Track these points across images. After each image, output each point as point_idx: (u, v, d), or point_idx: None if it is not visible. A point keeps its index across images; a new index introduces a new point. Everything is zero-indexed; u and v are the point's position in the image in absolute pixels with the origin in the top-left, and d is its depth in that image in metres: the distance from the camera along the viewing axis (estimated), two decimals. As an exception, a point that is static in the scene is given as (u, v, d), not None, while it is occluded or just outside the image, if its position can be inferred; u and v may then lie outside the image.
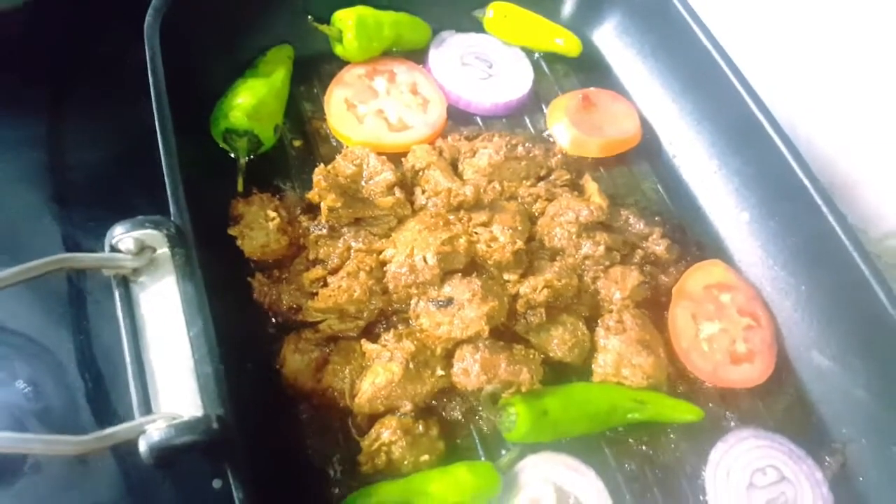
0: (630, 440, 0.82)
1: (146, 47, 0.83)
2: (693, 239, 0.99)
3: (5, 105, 1.06)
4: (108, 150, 1.06)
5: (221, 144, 0.90)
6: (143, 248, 0.66)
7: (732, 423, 0.86)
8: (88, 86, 1.11)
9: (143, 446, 0.57)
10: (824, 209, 0.90)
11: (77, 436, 0.56)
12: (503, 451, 0.78)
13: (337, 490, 0.73)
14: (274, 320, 0.81)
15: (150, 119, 1.08)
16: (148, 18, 0.85)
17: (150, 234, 0.66)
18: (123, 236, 0.65)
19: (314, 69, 1.03)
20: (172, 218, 0.71)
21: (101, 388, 0.88)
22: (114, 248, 0.65)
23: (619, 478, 0.80)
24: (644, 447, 0.82)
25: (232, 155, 0.92)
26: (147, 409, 0.60)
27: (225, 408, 0.61)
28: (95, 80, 1.11)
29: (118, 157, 1.05)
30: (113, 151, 1.06)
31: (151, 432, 0.57)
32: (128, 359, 0.63)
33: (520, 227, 0.86)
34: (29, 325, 0.90)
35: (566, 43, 1.10)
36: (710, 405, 0.86)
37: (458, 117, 1.03)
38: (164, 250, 0.68)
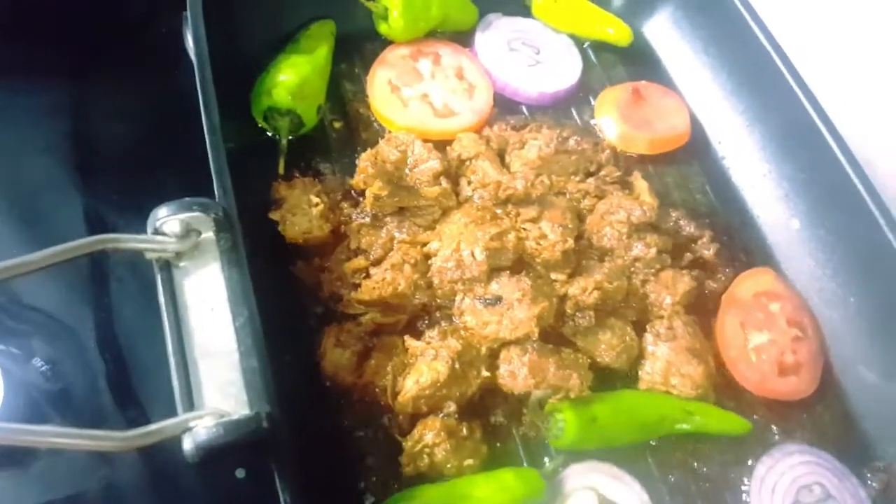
0: (675, 451, 0.79)
1: (189, 18, 0.78)
2: (740, 244, 0.96)
3: (29, 71, 1.02)
4: (134, 121, 1.02)
5: (261, 123, 0.86)
6: (188, 232, 0.62)
7: (777, 437, 0.83)
8: (115, 54, 1.06)
9: (188, 444, 0.54)
10: (880, 220, 0.87)
11: (120, 431, 0.53)
12: (545, 458, 0.76)
13: (377, 490, 0.70)
14: (315, 308, 0.78)
15: (180, 90, 1.03)
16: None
17: (197, 217, 0.62)
18: (169, 218, 0.61)
19: (355, 47, 0.99)
20: (217, 200, 0.67)
21: (122, 370, 0.85)
22: (157, 231, 0.62)
23: (663, 489, 0.77)
24: (689, 458, 0.80)
25: (270, 134, 0.88)
26: (190, 403, 0.57)
27: (272, 405, 0.58)
28: (122, 48, 1.06)
29: (145, 128, 1.01)
30: (140, 123, 1.02)
31: (198, 430, 0.54)
32: (170, 349, 0.59)
33: (570, 225, 0.83)
34: (48, 302, 0.87)
35: (616, 32, 1.06)
36: (755, 417, 0.84)
37: (502, 105, 0.99)
38: (208, 234, 0.64)
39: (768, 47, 0.98)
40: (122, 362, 0.85)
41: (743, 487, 0.79)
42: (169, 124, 0.97)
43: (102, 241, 0.60)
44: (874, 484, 0.83)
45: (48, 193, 0.94)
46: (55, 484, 0.76)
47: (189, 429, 0.54)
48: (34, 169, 0.95)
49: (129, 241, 0.61)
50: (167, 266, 0.62)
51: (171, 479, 0.79)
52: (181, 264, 0.63)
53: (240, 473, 0.78)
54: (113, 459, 0.79)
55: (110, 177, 0.96)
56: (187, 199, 0.62)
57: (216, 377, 0.59)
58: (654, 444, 0.79)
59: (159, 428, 0.54)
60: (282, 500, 0.58)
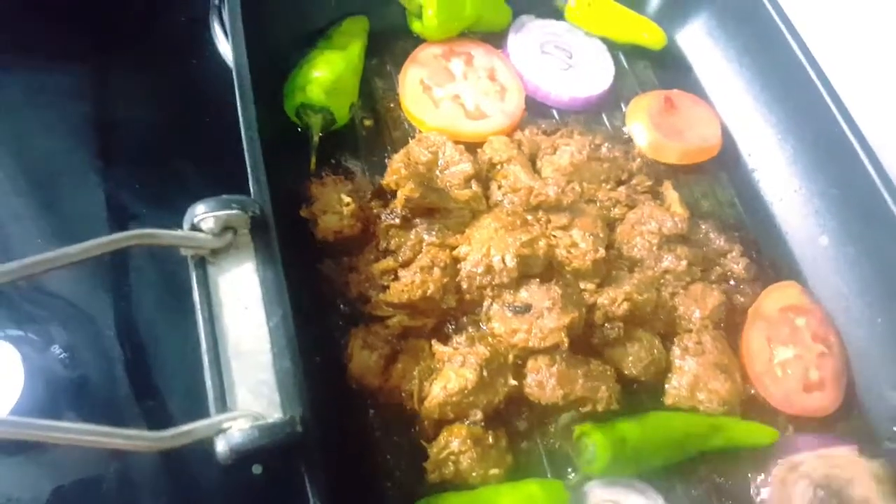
0: (699, 466, 0.79)
1: (226, 9, 0.77)
2: (767, 258, 0.95)
3: (49, 52, 1.01)
4: (155, 108, 1.01)
5: (293, 118, 0.85)
6: (224, 229, 0.61)
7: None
8: (139, 39, 1.05)
9: (221, 446, 0.54)
10: (910, 239, 0.86)
11: (155, 432, 0.53)
12: (569, 469, 0.75)
13: (401, 496, 0.70)
14: (342, 308, 0.77)
15: (203, 79, 1.03)
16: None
17: (234, 215, 0.61)
18: (206, 215, 0.60)
19: (386, 45, 0.98)
20: (252, 196, 0.66)
21: (141, 360, 0.84)
22: (194, 227, 0.61)
23: (686, 503, 0.77)
24: (711, 473, 0.79)
25: (300, 129, 0.87)
26: (223, 404, 0.56)
27: (305, 408, 0.57)
28: (146, 33, 1.05)
29: (166, 116, 1.00)
30: (161, 110, 1.01)
31: (233, 433, 0.53)
32: (203, 347, 0.59)
33: (601, 234, 0.82)
34: (68, 289, 0.86)
35: (650, 36, 1.05)
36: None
37: (533, 108, 0.98)
38: (244, 232, 0.63)
39: (803, 60, 0.97)
40: (141, 352, 0.84)
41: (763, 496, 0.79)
42: (192, 114, 0.96)
43: (139, 236, 0.59)
44: (896, 507, 0.83)
45: (69, 178, 0.93)
46: (69, 470, 0.76)
47: (223, 430, 0.54)
48: (55, 153, 0.94)
49: (165, 237, 0.60)
50: (202, 263, 0.62)
51: (187, 471, 0.78)
52: (215, 261, 0.62)
53: (256, 469, 0.77)
54: (128, 451, 0.78)
55: (132, 164, 0.95)
56: (225, 196, 0.62)
57: (248, 378, 0.59)
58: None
59: (192, 429, 0.53)
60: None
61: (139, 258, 0.90)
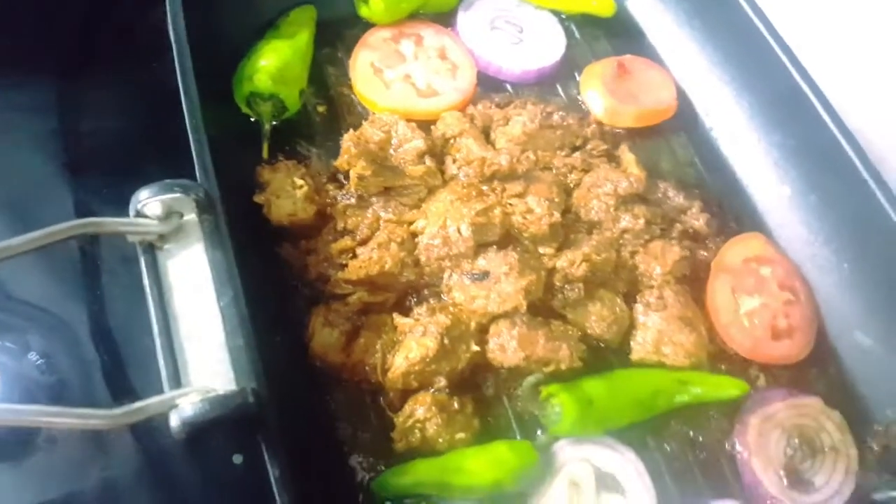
0: (671, 420, 0.79)
1: (167, 5, 0.78)
2: (731, 213, 0.96)
3: (15, 68, 1.02)
4: (122, 115, 1.01)
5: (244, 109, 0.86)
6: (170, 214, 0.62)
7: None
8: (100, 49, 1.06)
9: (174, 421, 0.54)
10: (871, 184, 0.86)
11: (107, 409, 0.53)
12: (538, 431, 0.75)
13: (369, 467, 0.70)
14: (303, 290, 0.78)
15: (166, 83, 1.03)
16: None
17: (178, 199, 0.62)
18: (150, 200, 0.61)
19: (336, 32, 0.99)
20: (199, 181, 0.67)
21: (118, 361, 0.84)
22: (139, 214, 0.62)
23: (659, 457, 0.77)
24: (684, 427, 0.79)
25: (253, 119, 0.88)
26: (177, 382, 0.57)
27: (259, 381, 0.58)
28: (107, 43, 1.07)
29: (133, 122, 1.01)
30: (127, 116, 1.01)
31: (184, 406, 0.54)
32: (155, 329, 0.59)
33: (556, 199, 0.82)
34: (41, 295, 0.87)
35: (599, 3, 1.05)
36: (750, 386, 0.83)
37: (487, 84, 0.98)
38: (191, 216, 0.64)
39: (753, 15, 0.97)
40: (116, 352, 0.84)
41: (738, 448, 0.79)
42: (153, 115, 0.96)
43: (84, 224, 0.60)
44: (873, 446, 0.83)
45: (33, 189, 0.93)
46: (51, 479, 0.76)
47: (175, 406, 0.55)
48: (19, 165, 0.95)
49: (110, 224, 0.61)
50: (151, 249, 0.63)
51: (169, 471, 0.79)
52: (165, 247, 0.63)
53: (237, 460, 0.78)
54: (109, 450, 0.79)
55: (96, 170, 0.95)
56: (168, 180, 0.63)
57: (203, 357, 0.59)
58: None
59: (145, 405, 0.54)
60: (271, 475, 0.58)
61: (112, 261, 0.91)
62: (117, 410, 0.53)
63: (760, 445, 0.78)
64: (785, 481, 0.77)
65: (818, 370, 0.87)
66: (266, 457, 0.58)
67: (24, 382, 0.81)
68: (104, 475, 0.77)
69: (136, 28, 1.09)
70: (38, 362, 0.83)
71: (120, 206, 0.95)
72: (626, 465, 0.74)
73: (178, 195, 0.62)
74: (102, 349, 0.85)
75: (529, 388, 0.74)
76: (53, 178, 0.94)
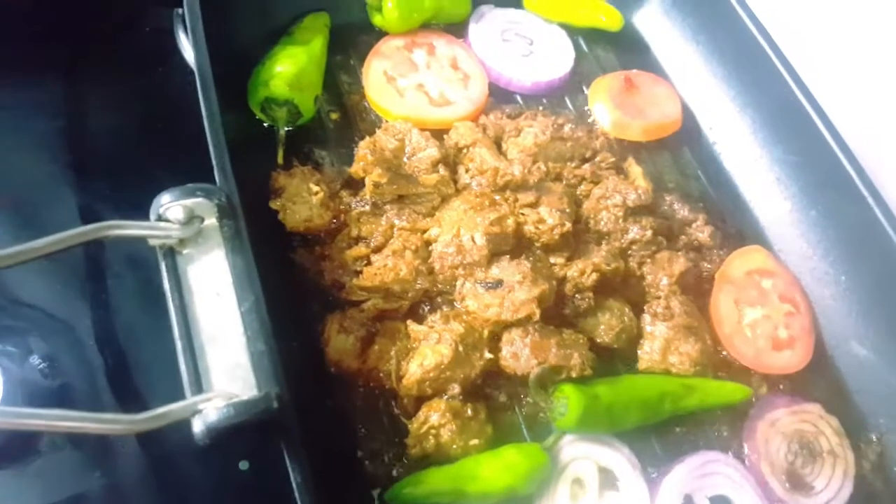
0: (675, 427, 0.80)
1: (185, 9, 0.78)
2: (733, 227, 0.98)
3: (20, 70, 1.01)
4: (127, 117, 1.02)
5: (258, 114, 0.86)
6: (191, 218, 0.62)
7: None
8: (105, 50, 1.06)
9: (198, 426, 0.54)
10: (869, 200, 0.89)
11: (130, 415, 0.53)
12: (548, 435, 0.76)
13: (384, 472, 0.71)
14: (318, 296, 0.78)
15: (169, 88, 1.04)
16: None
17: (200, 203, 0.62)
18: (172, 204, 0.61)
19: (349, 40, 0.99)
20: (219, 185, 0.67)
21: (123, 366, 0.84)
22: (160, 217, 0.62)
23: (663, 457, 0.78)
24: (689, 434, 0.81)
25: (266, 125, 0.88)
26: (198, 387, 0.57)
27: (282, 386, 0.58)
28: (110, 47, 1.06)
29: (138, 124, 1.01)
30: (132, 118, 1.02)
31: (208, 412, 0.54)
32: (176, 334, 0.59)
33: (567, 209, 0.84)
34: (45, 299, 0.86)
35: (608, 18, 1.07)
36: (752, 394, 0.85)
37: (497, 95, 1.00)
38: (211, 221, 0.64)
39: (756, 33, 1.00)
40: (121, 357, 0.84)
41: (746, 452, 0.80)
42: (158, 117, 0.97)
43: (105, 227, 0.60)
44: (869, 455, 0.85)
45: (42, 192, 0.93)
46: (58, 483, 0.76)
47: (198, 411, 0.55)
48: (27, 168, 0.94)
49: (132, 227, 0.61)
50: (171, 253, 0.63)
51: (174, 477, 0.78)
52: (185, 251, 0.63)
53: (243, 466, 0.78)
54: (115, 456, 0.78)
55: (104, 174, 0.95)
56: (190, 185, 0.63)
57: (224, 362, 0.59)
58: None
59: (168, 411, 0.54)
60: (293, 480, 0.58)
61: (115, 264, 0.90)
62: (140, 416, 0.53)
63: (765, 451, 0.80)
64: (787, 485, 0.79)
65: (816, 381, 0.89)
66: (288, 462, 0.58)
67: (28, 386, 0.80)
68: (110, 482, 0.76)
69: (141, 32, 1.09)
70: (41, 366, 0.83)
71: (129, 210, 0.96)
72: (622, 460, 0.75)
73: (200, 199, 0.62)
74: (107, 353, 0.84)
75: (536, 381, 0.74)
76: (54, 181, 0.93)
